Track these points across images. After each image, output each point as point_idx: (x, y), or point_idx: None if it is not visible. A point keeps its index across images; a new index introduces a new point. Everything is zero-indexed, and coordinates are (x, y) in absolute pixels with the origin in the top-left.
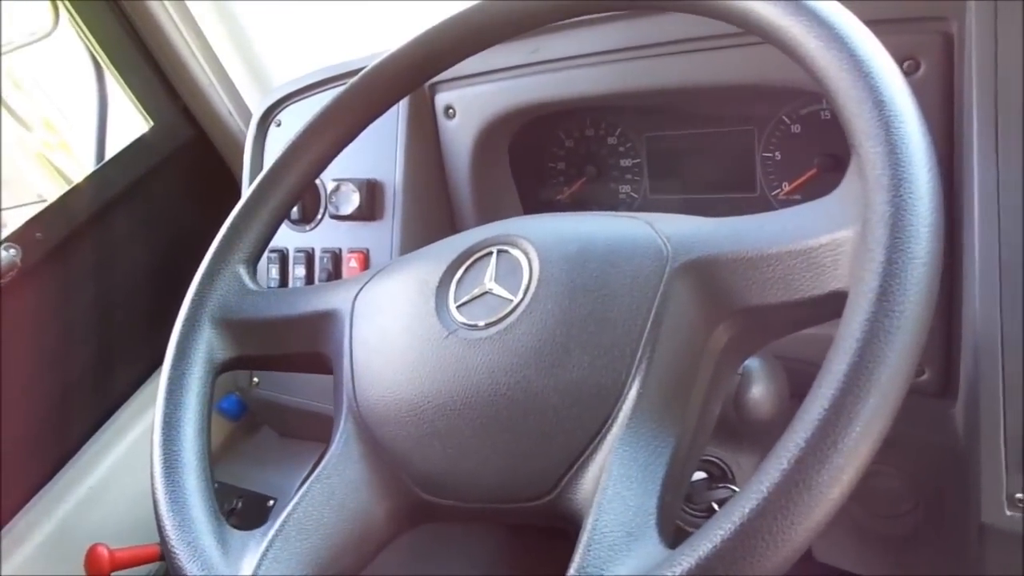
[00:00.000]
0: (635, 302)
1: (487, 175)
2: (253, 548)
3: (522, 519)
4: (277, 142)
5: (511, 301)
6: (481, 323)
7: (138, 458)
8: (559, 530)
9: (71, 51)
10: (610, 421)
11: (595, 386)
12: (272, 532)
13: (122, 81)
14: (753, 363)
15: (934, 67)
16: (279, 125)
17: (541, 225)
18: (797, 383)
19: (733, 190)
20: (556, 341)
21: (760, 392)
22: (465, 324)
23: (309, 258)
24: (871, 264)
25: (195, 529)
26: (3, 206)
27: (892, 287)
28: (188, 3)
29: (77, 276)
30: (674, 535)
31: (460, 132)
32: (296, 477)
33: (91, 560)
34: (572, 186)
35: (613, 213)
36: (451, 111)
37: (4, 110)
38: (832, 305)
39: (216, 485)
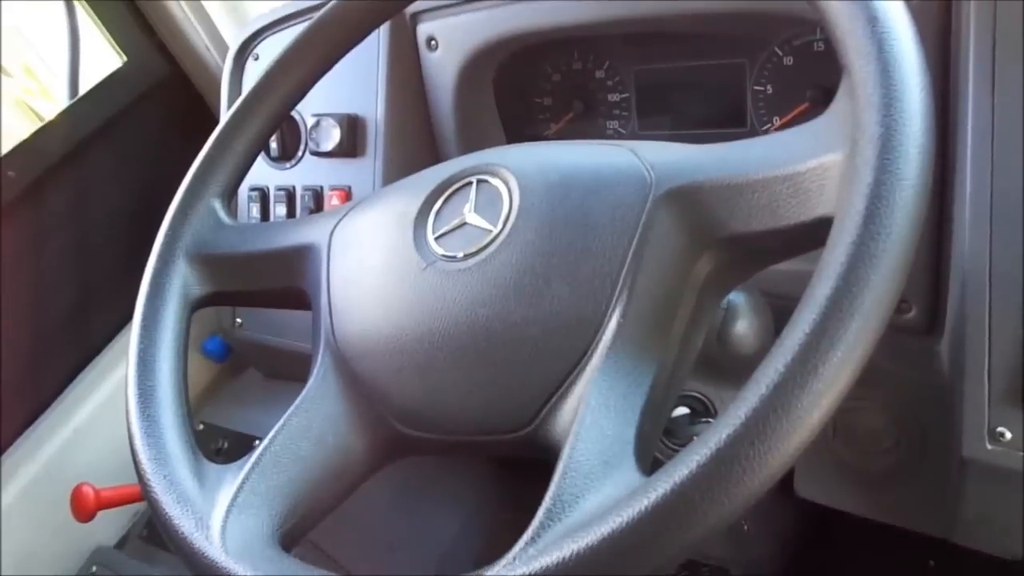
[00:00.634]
0: (617, 231)
1: (471, 110)
2: (230, 480)
3: (501, 451)
4: (255, 76)
5: (490, 232)
6: (460, 254)
7: (122, 399)
8: (541, 466)
9: None
10: (589, 352)
11: (575, 317)
12: (249, 465)
13: (94, 15)
14: (738, 298)
15: None
16: (257, 59)
17: (522, 154)
18: (782, 321)
19: (723, 125)
20: (535, 272)
21: (744, 327)
22: (444, 256)
23: (290, 196)
24: (858, 187)
25: (171, 463)
26: None
27: (879, 210)
28: None
29: (53, 216)
30: (652, 468)
31: (443, 65)
32: (281, 417)
33: (77, 499)
34: (559, 122)
35: (596, 141)
36: (433, 43)
37: None
38: (818, 232)
39: (201, 426)
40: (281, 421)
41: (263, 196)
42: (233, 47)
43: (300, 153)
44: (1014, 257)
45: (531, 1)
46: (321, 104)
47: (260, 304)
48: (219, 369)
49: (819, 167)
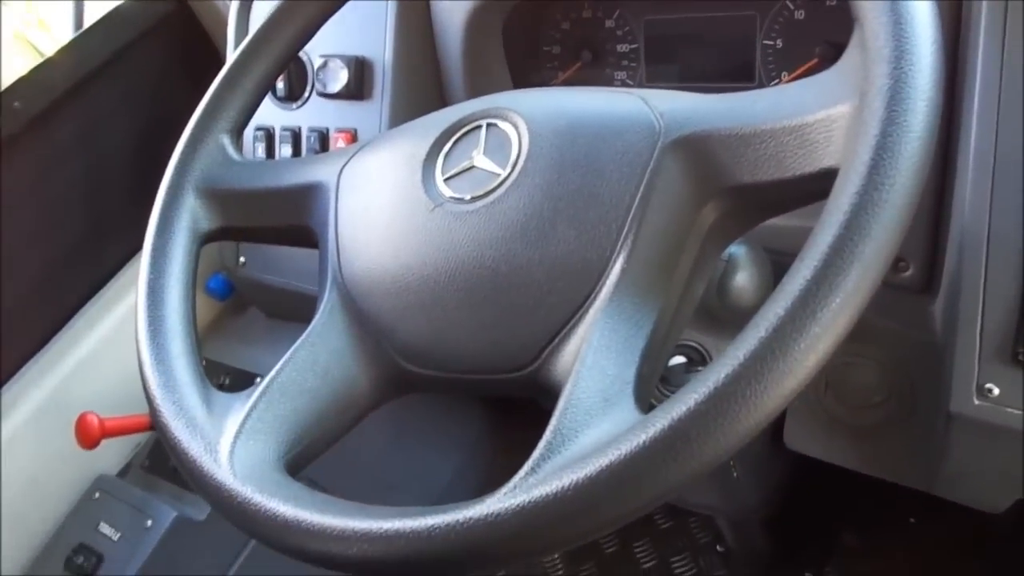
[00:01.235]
0: (624, 177)
1: (479, 56)
2: (237, 408)
3: (503, 390)
4: (263, 14)
5: (499, 175)
6: (467, 196)
7: (128, 331)
8: (537, 413)
9: None
10: (593, 295)
11: (580, 260)
12: (256, 394)
13: None
14: (739, 250)
15: None
16: None
17: (532, 99)
18: (782, 277)
19: (731, 79)
20: (542, 215)
21: (744, 279)
22: (452, 197)
23: (296, 137)
24: (865, 138)
25: (180, 390)
26: None
27: (884, 161)
28: None
29: (60, 148)
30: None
31: (452, 10)
32: (283, 356)
33: (81, 427)
34: (567, 71)
35: (607, 88)
36: None
37: None
38: (824, 183)
39: (204, 362)
40: (288, 354)
41: (268, 136)
42: None
43: (307, 94)
44: (1014, 218)
45: None
46: (329, 45)
47: (267, 240)
48: (222, 307)
49: (827, 118)
